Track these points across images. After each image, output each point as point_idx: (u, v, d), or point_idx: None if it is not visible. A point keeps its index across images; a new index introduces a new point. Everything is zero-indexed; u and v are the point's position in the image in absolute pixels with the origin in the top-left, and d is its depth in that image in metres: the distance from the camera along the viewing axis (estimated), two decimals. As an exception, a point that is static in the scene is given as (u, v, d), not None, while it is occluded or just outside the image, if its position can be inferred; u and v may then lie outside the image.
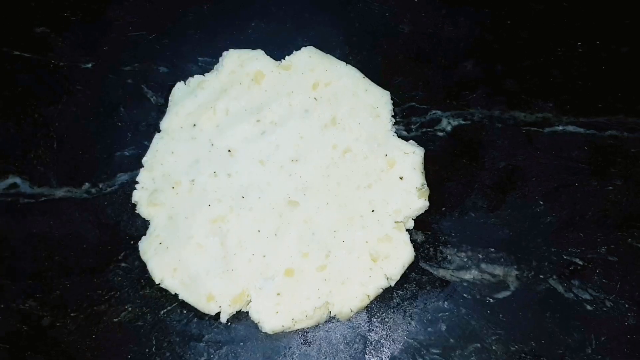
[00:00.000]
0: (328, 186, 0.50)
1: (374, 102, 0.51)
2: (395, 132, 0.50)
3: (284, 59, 0.54)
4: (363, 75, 0.52)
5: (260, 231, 0.49)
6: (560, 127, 0.52)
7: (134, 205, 0.51)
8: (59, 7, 0.58)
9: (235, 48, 0.54)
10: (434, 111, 0.54)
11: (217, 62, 0.54)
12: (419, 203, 0.48)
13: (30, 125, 0.55)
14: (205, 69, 0.55)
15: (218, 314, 0.47)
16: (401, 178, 0.49)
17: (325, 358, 0.48)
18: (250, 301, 0.47)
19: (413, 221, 0.49)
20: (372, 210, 0.48)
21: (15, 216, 0.52)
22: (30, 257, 0.51)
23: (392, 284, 0.48)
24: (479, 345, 0.47)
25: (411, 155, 0.49)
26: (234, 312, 0.47)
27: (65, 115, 0.55)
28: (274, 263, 0.48)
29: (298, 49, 0.54)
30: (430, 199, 0.49)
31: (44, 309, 0.49)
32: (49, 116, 0.55)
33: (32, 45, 0.57)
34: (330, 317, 0.48)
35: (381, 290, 0.47)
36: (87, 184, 0.53)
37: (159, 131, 0.52)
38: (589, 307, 0.48)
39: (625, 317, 0.48)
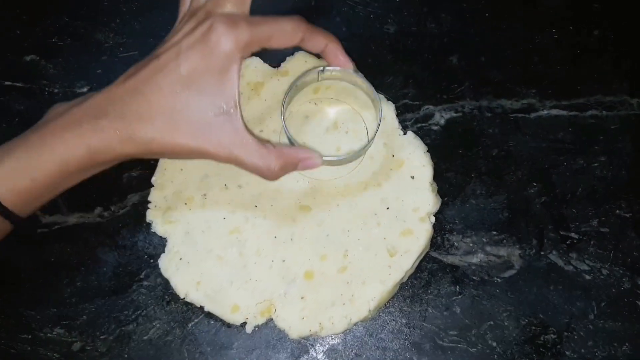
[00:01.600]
0: (336, 188, 0.52)
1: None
2: (402, 132, 0.53)
3: (280, 66, 0.56)
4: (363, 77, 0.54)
5: (277, 237, 0.51)
6: (545, 112, 0.56)
7: (149, 225, 0.52)
8: (45, 33, 0.58)
9: (228, 61, 0.56)
10: (426, 106, 0.56)
11: (212, 76, 0.55)
12: (435, 199, 0.51)
13: (34, 155, 0.55)
14: (201, 84, 0.56)
15: (244, 323, 0.50)
16: (412, 177, 0.51)
17: (352, 350, 0.50)
18: (275, 310, 0.49)
19: (434, 217, 0.51)
20: (387, 208, 0.51)
21: (30, 246, 0.52)
22: (52, 285, 0.52)
23: (406, 278, 0.51)
24: (492, 322, 0.51)
25: (419, 154, 0.52)
26: (260, 324, 0.50)
27: (67, 141, 0.55)
28: (294, 266, 0.50)
29: (290, 55, 0.56)
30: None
31: (73, 335, 0.50)
32: (50, 144, 0.55)
33: (23, 74, 0.57)
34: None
35: (398, 286, 0.50)
36: (98, 208, 0.54)
37: (165, 150, 0.53)
38: (587, 277, 0.52)
39: (621, 282, 0.52)
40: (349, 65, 0.49)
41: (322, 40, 0.47)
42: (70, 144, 0.43)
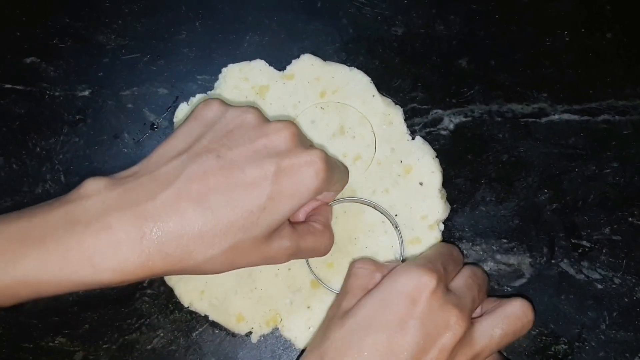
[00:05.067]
0: (343, 195, 0.51)
1: (384, 110, 0.52)
2: (410, 137, 0.52)
3: (285, 69, 0.54)
4: (370, 80, 0.53)
5: (283, 245, 0.50)
6: (556, 116, 0.55)
7: (152, 232, 0.51)
8: (46, 35, 0.57)
9: (233, 63, 0.55)
10: (435, 111, 0.55)
11: (217, 79, 0.54)
12: (444, 206, 0.50)
13: (34, 160, 0.54)
14: (205, 87, 0.55)
15: (249, 332, 0.49)
16: (421, 184, 0.50)
17: None
18: (281, 320, 0.49)
19: (443, 224, 0.50)
20: (395, 215, 0.50)
21: (31, 254, 0.51)
22: (53, 293, 0.51)
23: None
24: (502, 332, 0.50)
25: (428, 160, 0.51)
26: (265, 333, 0.49)
27: (69, 146, 0.54)
28: (300, 275, 0.49)
29: (295, 58, 0.55)
30: (443, 198, 0.51)
31: (75, 344, 0.49)
32: (51, 149, 0.54)
33: (23, 77, 0.56)
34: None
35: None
36: (101, 214, 0.53)
37: (168, 155, 0.52)
38: (599, 286, 0.51)
39: (633, 291, 0.51)
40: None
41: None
42: (95, 261, 0.35)
